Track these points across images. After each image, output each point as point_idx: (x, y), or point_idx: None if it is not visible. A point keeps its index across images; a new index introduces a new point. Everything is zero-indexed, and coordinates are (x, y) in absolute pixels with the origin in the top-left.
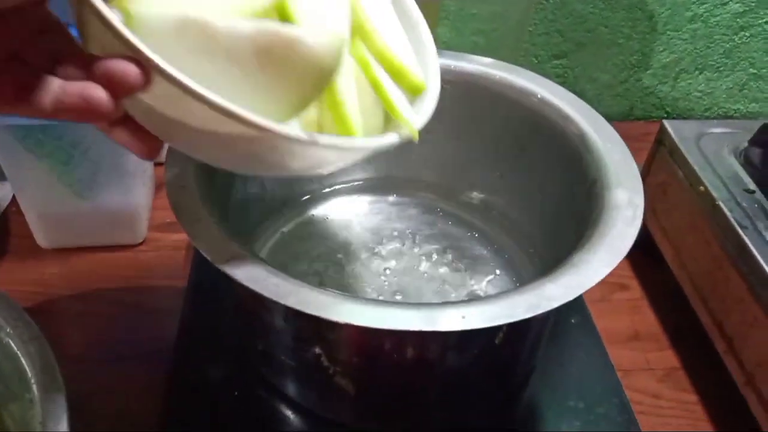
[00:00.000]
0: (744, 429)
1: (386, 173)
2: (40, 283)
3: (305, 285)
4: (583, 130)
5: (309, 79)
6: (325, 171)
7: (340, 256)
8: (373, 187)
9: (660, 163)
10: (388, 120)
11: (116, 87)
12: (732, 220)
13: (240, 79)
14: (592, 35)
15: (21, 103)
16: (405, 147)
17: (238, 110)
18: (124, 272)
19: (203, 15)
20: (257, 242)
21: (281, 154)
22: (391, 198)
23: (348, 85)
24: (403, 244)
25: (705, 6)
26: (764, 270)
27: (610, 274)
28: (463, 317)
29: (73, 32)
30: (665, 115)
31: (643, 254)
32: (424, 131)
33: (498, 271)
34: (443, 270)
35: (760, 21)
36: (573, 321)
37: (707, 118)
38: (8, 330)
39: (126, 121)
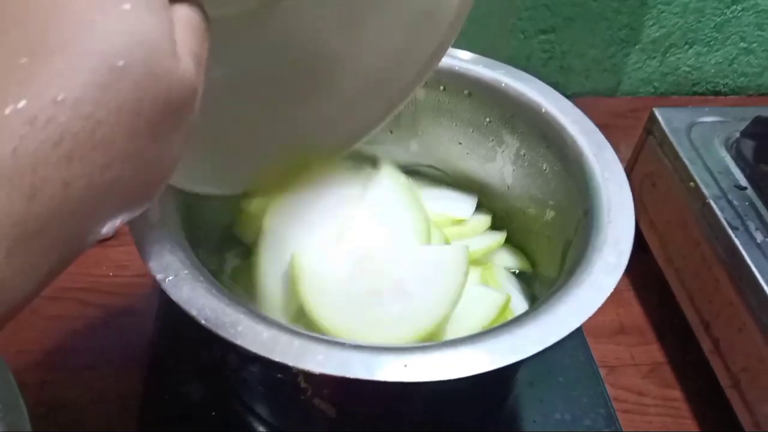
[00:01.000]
0: (728, 428)
1: None
2: None
3: (250, 313)
4: (583, 152)
5: None
6: None
7: None
8: None
9: (649, 153)
10: None
11: None
12: (722, 220)
13: None
14: (580, 9)
15: None
16: None
17: None
18: (93, 269)
19: None
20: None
21: None
22: None
23: None
24: None
25: None
26: (754, 274)
27: None
28: (405, 366)
29: None
30: (653, 90)
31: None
32: None
33: None
34: None
35: None
36: None
37: (695, 93)
38: None
39: None
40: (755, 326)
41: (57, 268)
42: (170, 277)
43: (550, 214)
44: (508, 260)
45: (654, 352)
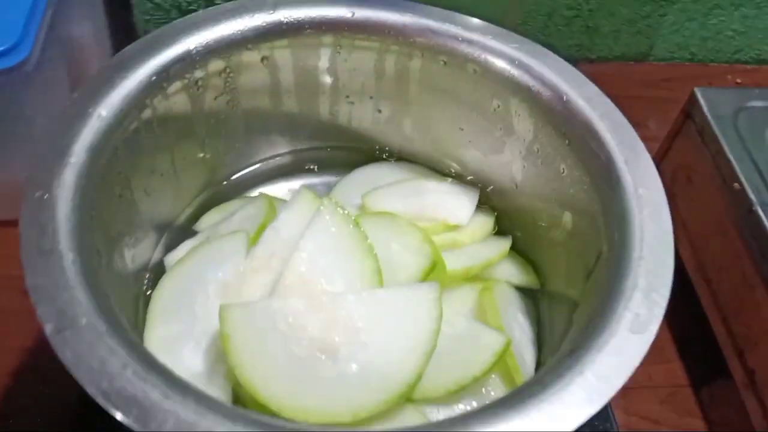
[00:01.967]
0: None
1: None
2: None
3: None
4: (613, 158)
5: None
6: None
7: None
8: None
9: (686, 141)
10: None
11: None
12: None
13: None
14: None
15: None
16: None
17: None
18: None
19: None
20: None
21: None
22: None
23: None
24: None
25: None
26: None
27: None
28: None
29: None
30: (689, 57)
31: None
32: None
33: None
34: None
35: None
36: None
37: (737, 61)
38: None
39: None
40: None
41: None
42: (67, 329)
43: (566, 224)
44: (511, 273)
45: (675, 372)
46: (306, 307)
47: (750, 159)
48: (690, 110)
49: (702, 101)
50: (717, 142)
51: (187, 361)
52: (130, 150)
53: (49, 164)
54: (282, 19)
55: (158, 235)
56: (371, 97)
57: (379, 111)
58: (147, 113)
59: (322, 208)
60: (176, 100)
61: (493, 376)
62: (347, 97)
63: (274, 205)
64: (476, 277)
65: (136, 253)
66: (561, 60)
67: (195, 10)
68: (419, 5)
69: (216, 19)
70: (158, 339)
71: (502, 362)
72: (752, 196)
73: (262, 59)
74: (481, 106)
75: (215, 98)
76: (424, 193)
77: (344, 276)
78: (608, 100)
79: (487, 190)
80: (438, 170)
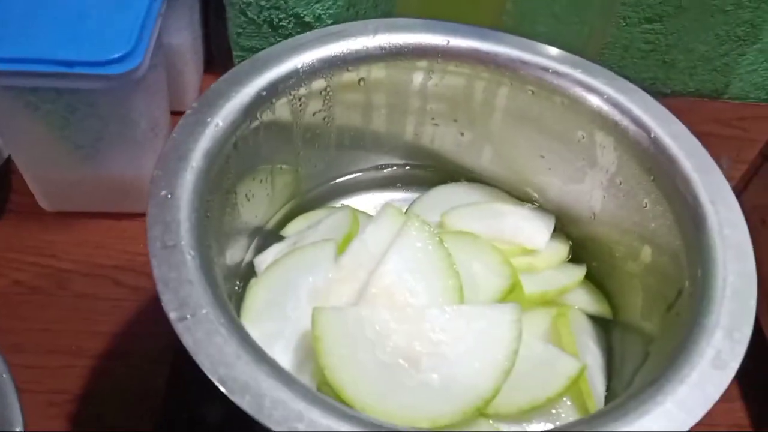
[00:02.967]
0: None
1: None
2: (41, 252)
3: (277, 377)
4: (699, 198)
5: None
6: None
7: None
8: None
9: (763, 183)
10: None
11: None
12: None
13: None
14: None
15: None
16: None
17: None
18: (131, 247)
19: None
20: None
21: None
22: None
23: None
24: None
25: None
26: None
27: None
28: None
29: None
30: (765, 97)
31: None
32: None
33: None
34: None
35: None
36: None
37: None
38: None
39: None
40: None
41: None
42: (188, 317)
43: (644, 257)
44: (585, 301)
45: (735, 412)
46: (392, 317)
47: None
48: None
49: None
50: None
51: (278, 358)
52: (239, 157)
53: (173, 167)
54: (382, 44)
55: (251, 238)
56: (455, 120)
57: (462, 134)
58: (255, 124)
59: (408, 223)
60: (281, 113)
61: (564, 398)
62: (433, 119)
63: (357, 217)
64: (550, 302)
65: (233, 253)
66: (648, 96)
67: (285, 26)
68: (509, 35)
69: (321, 41)
70: (255, 335)
71: (574, 387)
72: None
73: (360, 81)
74: (565, 136)
75: (314, 114)
76: (501, 216)
77: (428, 291)
78: (695, 139)
79: (564, 218)
80: (515, 195)
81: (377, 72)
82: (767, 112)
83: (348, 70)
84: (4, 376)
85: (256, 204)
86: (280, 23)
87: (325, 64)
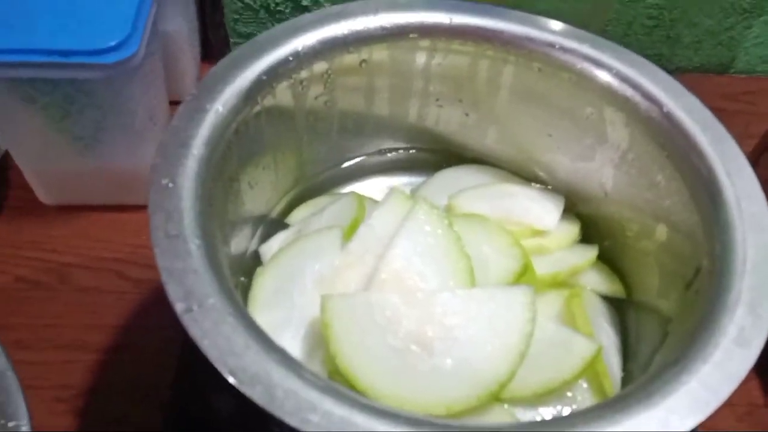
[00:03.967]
0: None
1: None
2: (42, 247)
3: (289, 366)
4: (716, 173)
5: None
6: None
7: None
8: None
9: None
10: None
11: None
12: None
13: None
14: None
15: None
16: None
17: None
18: (133, 239)
19: None
20: None
21: None
22: None
23: None
24: None
25: None
26: None
27: None
28: None
29: None
30: None
31: None
32: None
33: None
34: None
35: None
36: None
37: None
38: None
39: None
40: None
41: None
42: (195, 308)
43: (659, 235)
44: (597, 282)
45: (751, 391)
46: (402, 302)
47: None
48: None
49: None
50: None
51: (287, 346)
52: (240, 144)
53: (173, 155)
54: (383, 24)
55: (255, 226)
56: (460, 101)
57: (467, 115)
58: (256, 109)
59: (416, 207)
60: (282, 98)
61: (580, 381)
62: (437, 100)
63: (363, 203)
64: (562, 283)
65: (238, 243)
66: (659, 69)
67: (282, 11)
68: (513, 11)
69: (321, 22)
70: (262, 324)
71: (591, 368)
72: None
73: (361, 62)
74: (573, 113)
75: (315, 98)
76: (510, 197)
77: (438, 274)
78: (708, 111)
79: (574, 197)
80: (522, 175)
81: (379, 53)
82: None
83: (349, 52)
84: (8, 373)
85: (259, 192)
86: (278, 8)
87: (325, 46)
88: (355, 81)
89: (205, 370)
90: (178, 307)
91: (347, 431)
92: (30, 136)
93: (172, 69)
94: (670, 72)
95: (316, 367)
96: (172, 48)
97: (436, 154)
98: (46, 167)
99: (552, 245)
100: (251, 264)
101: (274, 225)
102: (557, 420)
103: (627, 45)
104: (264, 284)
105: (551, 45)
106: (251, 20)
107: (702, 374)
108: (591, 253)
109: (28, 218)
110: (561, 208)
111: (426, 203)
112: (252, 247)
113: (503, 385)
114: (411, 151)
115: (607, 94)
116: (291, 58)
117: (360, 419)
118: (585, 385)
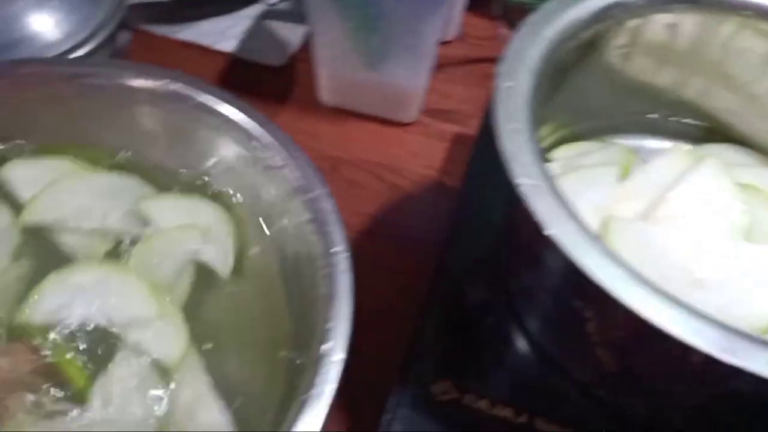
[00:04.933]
0: None
1: None
2: (317, 139)
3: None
4: None
5: None
6: None
7: None
8: None
9: None
10: None
11: None
12: None
13: None
14: None
15: None
16: None
17: None
18: (391, 149)
19: None
20: None
21: None
22: None
23: None
24: None
25: None
26: None
27: None
28: None
29: None
30: None
31: None
32: None
33: None
34: None
35: None
36: None
37: None
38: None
39: None
40: None
41: None
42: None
43: None
44: None
45: None
46: (679, 238)
47: None
48: None
49: None
50: None
51: None
52: (557, 73)
53: (515, 65)
54: None
55: None
56: (746, 84)
57: (751, 100)
58: (577, 43)
59: (707, 161)
60: (598, 38)
61: None
62: (724, 78)
63: (633, 153)
64: None
65: None
66: None
67: None
68: None
69: None
70: None
71: None
72: None
73: (670, 25)
74: None
75: (619, 47)
76: None
77: (716, 223)
78: None
79: None
80: None
81: (690, 18)
82: None
83: (664, 12)
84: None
85: (558, 117)
86: None
87: (647, 2)
88: (657, 41)
89: (463, 264)
90: (520, 181)
91: None
92: (335, 41)
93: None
94: None
95: None
96: None
97: (702, 130)
98: (338, 72)
99: None
100: None
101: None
102: None
103: None
104: None
105: None
106: None
107: None
108: None
109: (308, 113)
110: None
111: (713, 158)
112: None
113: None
114: (683, 121)
115: None
116: (619, 5)
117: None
118: None
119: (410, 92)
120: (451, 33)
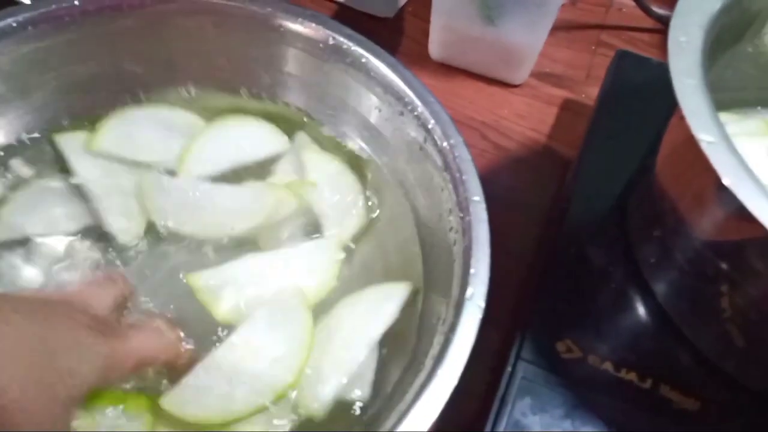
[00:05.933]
0: None
1: None
2: None
3: None
4: None
5: None
6: None
7: None
8: None
9: None
10: None
11: None
12: None
13: None
14: None
15: None
16: None
17: None
18: (497, 109)
19: None
20: None
21: None
22: None
23: None
24: None
25: None
26: None
27: None
28: None
29: None
30: None
31: None
32: None
33: None
34: None
35: None
36: None
37: None
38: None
39: None
40: None
41: None
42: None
43: None
44: None
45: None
46: None
47: None
48: None
49: None
50: None
51: None
52: (719, 38)
53: (689, 19)
54: None
55: None
56: None
57: None
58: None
59: None
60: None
61: None
62: None
63: None
64: None
65: None
66: None
67: None
68: None
69: None
70: None
71: None
72: None
73: None
74: None
75: None
76: None
77: None
78: None
79: None
80: None
81: None
82: None
83: None
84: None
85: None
86: None
87: None
88: None
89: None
90: (701, 137)
91: None
92: None
93: None
94: None
95: None
96: None
97: None
98: (453, 25)
99: None
100: None
101: None
102: None
103: None
104: None
105: None
106: None
107: None
108: None
109: (415, 67)
110: None
111: None
112: None
113: None
114: None
115: None
116: None
117: None
118: None
119: (525, 52)
120: None
